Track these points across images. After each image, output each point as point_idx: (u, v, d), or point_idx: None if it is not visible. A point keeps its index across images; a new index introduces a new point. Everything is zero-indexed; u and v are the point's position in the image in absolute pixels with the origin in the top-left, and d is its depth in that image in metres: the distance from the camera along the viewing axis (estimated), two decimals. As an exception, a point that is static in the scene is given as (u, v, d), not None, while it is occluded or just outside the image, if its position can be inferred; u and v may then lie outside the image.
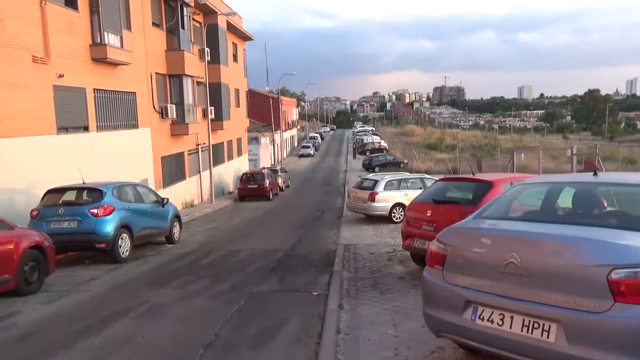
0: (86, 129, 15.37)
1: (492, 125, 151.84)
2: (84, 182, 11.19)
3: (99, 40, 15.72)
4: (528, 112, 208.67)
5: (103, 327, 6.01)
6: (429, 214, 7.72)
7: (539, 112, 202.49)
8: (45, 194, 10.74)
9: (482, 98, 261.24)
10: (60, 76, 13.83)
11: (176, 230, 13.50)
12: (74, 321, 6.29)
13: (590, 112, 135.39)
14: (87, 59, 15.41)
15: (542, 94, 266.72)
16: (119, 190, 11.06)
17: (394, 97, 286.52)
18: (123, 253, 10.58)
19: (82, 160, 14.73)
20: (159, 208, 12.60)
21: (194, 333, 5.75)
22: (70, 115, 14.48)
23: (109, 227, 10.19)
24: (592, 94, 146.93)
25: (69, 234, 9.99)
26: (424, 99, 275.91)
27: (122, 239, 10.54)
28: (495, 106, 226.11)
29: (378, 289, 7.25)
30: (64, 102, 14.08)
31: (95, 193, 10.57)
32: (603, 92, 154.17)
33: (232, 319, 6.27)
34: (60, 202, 10.57)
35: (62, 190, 10.87)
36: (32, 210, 10.37)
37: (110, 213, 10.27)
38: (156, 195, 13.07)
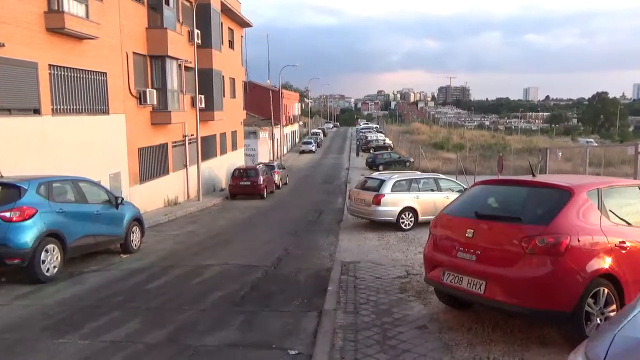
0: (37, 111, 12.79)
1: (498, 126, 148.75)
2: (1, 176, 8.57)
3: (55, 7, 13.13)
4: (534, 114, 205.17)
5: None
6: (469, 235, 5.06)
7: (545, 114, 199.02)
8: (-51, 190, 8.14)
9: (487, 99, 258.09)
10: (0, 45, 11.29)
11: (135, 236, 10.89)
12: None
13: (598, 114, 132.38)
14: (41, 28, 12.83)
15: (547, 96, 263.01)
16: (49, 187, 8.40)
17: (398, 96, 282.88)
18: (48, 270, 7.96)
19: (31, 149, 12.21)
20: (111, 210, 10.00)
21: None
22: (14, 94, 11.92)
23: (27, 235, 7.59)
24: (601, 97, 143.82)
25: (-29, 244, 7.42)
26: (429, 99, 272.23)
27: (47, 251, 7.92)
28: (501, 107, 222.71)
29: (389, 351, 4.67)
30: (5, 78, 11.54)
31: (10, 190, 7.92)
32: (610, 96, 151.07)
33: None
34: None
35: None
36: None
37: (29, 217, 7.67)
38: (108, 193, 10.43)
